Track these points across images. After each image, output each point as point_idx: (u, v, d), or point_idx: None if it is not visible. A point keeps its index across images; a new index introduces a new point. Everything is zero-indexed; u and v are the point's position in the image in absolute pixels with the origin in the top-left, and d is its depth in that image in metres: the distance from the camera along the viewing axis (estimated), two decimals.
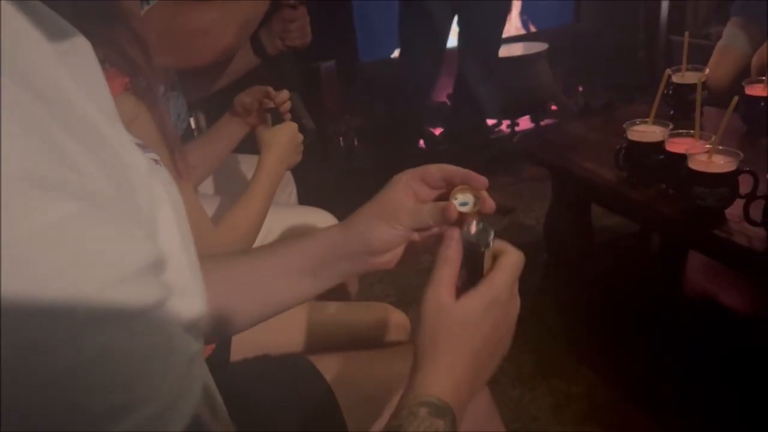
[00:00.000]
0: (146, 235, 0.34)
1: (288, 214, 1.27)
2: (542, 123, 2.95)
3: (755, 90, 1.58)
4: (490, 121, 2.91)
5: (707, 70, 1.66)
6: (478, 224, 0.58)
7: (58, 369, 0.27)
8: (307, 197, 1.65)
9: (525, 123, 2.95)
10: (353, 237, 0.62)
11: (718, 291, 1.75)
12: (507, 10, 2.34)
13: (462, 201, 0.60)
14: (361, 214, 0.63)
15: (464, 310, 0.54)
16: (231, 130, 1.20)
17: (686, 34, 1.69)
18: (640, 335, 1.64)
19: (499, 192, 2.54)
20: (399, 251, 0.63)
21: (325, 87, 2.51)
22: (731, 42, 2.37)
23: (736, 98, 1.26)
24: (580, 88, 3.15)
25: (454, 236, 0.57)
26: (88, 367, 0.28)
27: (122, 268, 0.30)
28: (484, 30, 2.28)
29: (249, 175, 1.13)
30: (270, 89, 1.16)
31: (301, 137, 1.15)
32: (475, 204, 0.59)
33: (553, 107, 3.01)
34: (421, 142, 2.79)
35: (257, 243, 1.04)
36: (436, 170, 0.61)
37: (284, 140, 1.10)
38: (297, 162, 1.16)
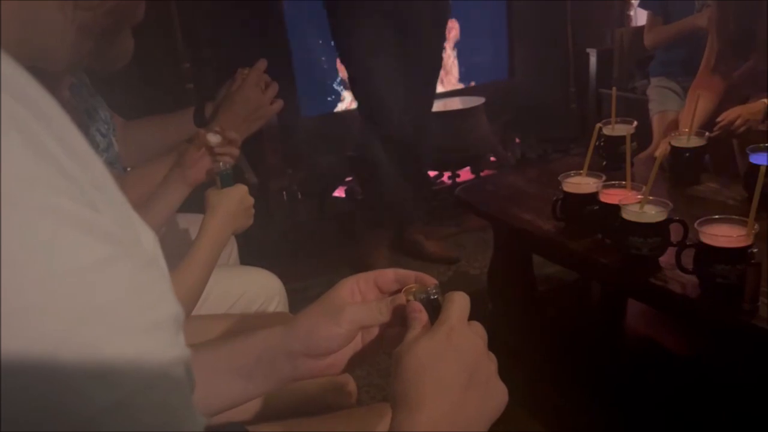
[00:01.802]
0: (168, 288, 0.34)
1: (228, 276, 1.23)
2: (482, 174, 3.02)
3: (680, 141, 1.66)
4: (432, 173, 2.96)
5: (635, 123, 1.74)
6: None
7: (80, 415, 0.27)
8: (249, 254, 1.62)
9: (465, 174, 3.01)
10: (294, 336, 0.59)
11: (658, 335, 1.79)
12: (438, 67, 2.39)
13: (429, 293, 0.61)
14: (304, 314, 0.61)
15: (427, 343, 0.54)
16: (174, 189, 1.09)
17: (614, 89, 1.78)
18: (584, 381, 1.65)
19: (443, 242, 2.57)
20: (342, 359, 0.61)
21: (267, 142, 2.51)
22: (663, 106, 2.52)
23: (663, 151, 1.31)
24: (517, 140, 3.25)
25: (418, 308, 0.58)
26: (106, 416, 0.28)
27: (149, 318, 0.30)
28: (420, 84, 2.32)
29: (193, 236, 1.07)
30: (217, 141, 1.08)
31: (251, 200, 1.08)
32: (439, 293, 0.61)
33: (492, 158, 3.09)
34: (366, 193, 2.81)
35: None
36: (392, 274, 0.62)
37: (233, 203, 1.03)
38: (247, 226, 1.08)
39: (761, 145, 1.51)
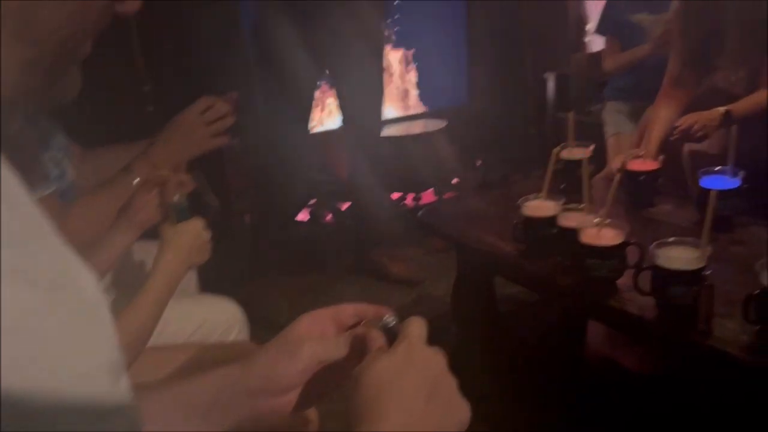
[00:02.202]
0: (108, 333, 0.32)
1: (188, 305, 1.21)
2: (445, 196, 3.04)
3: (635, 165, 1.70)
4: (395, 195, 2.97)
5: (592, 146, 1.78)
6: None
7: None
8: (209, 280, 1.59)
9: (428, 196, 3.04)
10: (253, 374, 0.58)
11: (618, 355, 1.82)
12: (381, 88, 2.41)
13: (386, 322, 0.61)
14: (262, 350, 0.60)
15: (386, 360, 0.54)
16: (123, 235, 1.04)
17: (571, 114, 1.82)
18: (546, 400, 1.67)
19: (407, 264, 2.58)
20: (302, 395, 0.60)
21: (228, 163, 2.49)
22: (617, 129, 2.58)
23: (619, 175, 1.35)
24: (479, 162, 3.29)
25: (375, 335, 0.59)
26: None
27: (83, 366, 0.29)
28: (361, 108, 2.34)
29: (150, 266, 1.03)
30: (166, 176, 1.05)
31: (208, 235, 1.05)
32: (396, 321, 0.62)
33: (454, 181, 3.12)
34: (330, 216, 2.80)
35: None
36: (351, 308, 0.63)
37: (188, 238, 1.00)
38: (203, 261, 1.05)
39: (711, 168, 1.56)
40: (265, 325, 2.14)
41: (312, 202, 2.87)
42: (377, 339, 0.58)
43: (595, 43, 3.30)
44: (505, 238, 1.57)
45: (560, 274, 1.40)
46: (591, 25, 3.42)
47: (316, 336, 0.61)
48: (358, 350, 0.59)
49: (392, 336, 0.59)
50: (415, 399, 0.53)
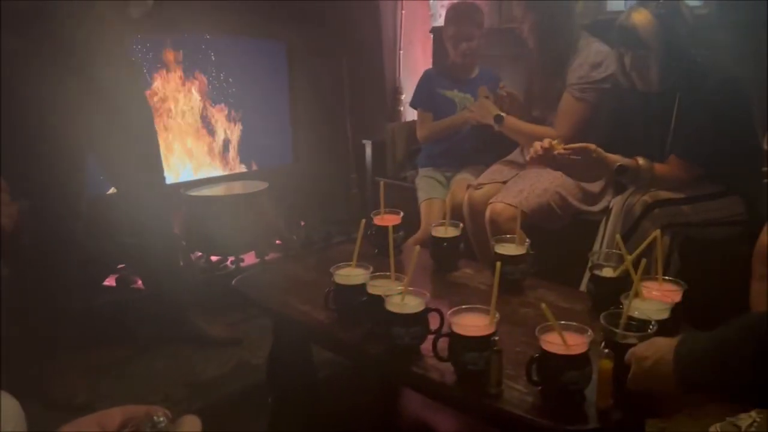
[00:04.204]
0: None
1: None
2: (267, 257, 3.01)
3: (438, 232, 1.82)
4: (214, 258, 2.88)
5: (401, 213, 1.87)
6: None
7: None
8: None
9: (250, 258, 2.98)
10: None
11: (431, 417, 1.89)
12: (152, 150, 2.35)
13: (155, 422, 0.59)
14: None
15: None
16: None
17: (382, 182, 1.92)
18: None
19: (227, 327, 2.50)
20: None
21: (22, 226, 2.26)
22: (429, 194, 2.75)
23: (418, 246, 1.43)
24: (302, 223, 3.31)
25: None
26: None
27: None
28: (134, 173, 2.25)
29: None
30: None
31: None
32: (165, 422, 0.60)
33: (278, 242, 3.11)
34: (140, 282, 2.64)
35: None
36: (119, 413, 0.61)
37: None
38: None
39: (503, 237, 1.71)
40: (62, 407, 1.95)
41: (120, 266, 2.69)
42: None
43: (409, 113, 3.53)
44: (319, 306, 1.58)
45: (370, 342, 1.43)
46: (405, 96, 3.66)
47: None
48: None
49: None
50: None
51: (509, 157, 2.65)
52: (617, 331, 1.20)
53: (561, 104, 2.41)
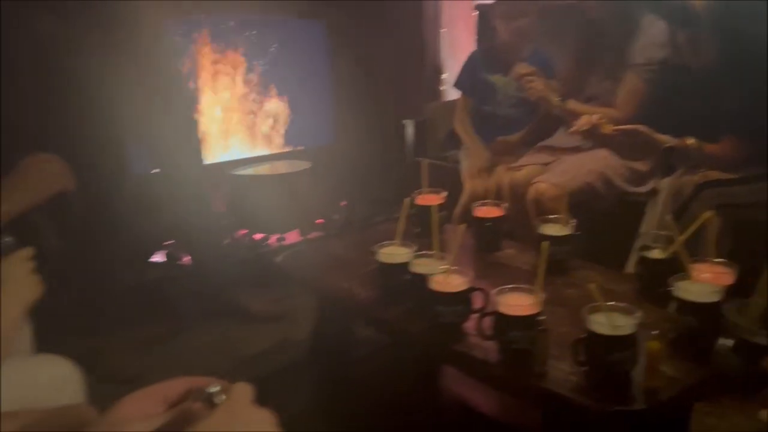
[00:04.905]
0: None
1: (17, 368, 1.10)
2: (309, 236, 3.04)
3: (482, 212, 1.80)
4: (258, 236, 2.93)
5: (444, 193, 1.86)
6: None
7: None
8: (47, 336, 1.47)
9: (293, 236, 3.02)
10: None
11: (471, 395, 1.89)
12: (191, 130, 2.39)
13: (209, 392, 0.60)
14: None
15: (207, 422, 0.55)
16: None
17: (425, 162, 1.91)
18: None
19: (270, 304, 2.54)
20: None
21: (73, 206, 2.33)
22: (471, 160, 2.72)
23: (463, 225, 1.42)
24: (343, 202, 3.33)
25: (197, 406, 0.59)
26: None
27: None
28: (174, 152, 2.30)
29: None
30: None
31: (31, 265, 0.97)
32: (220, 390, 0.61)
33: (319, 221, 3.13)
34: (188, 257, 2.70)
35: None
36: (179, 384, 0.62)
37: (20, 270, 0.93)
38: (34, 297, 0.97)
39: (547, 216, 1.69)
40: (112, 380, 2.02)
41: (167, 243, 2.76)
42: (202, 411, 0.57)
43: (451, 92, 3.49)
44: (362, 284, 1.59)
45: (412, 320, 1.44)
46: (446, 75, 3.62)
47: (140, 417, 0.59)
48: (184, 425, 0.58)
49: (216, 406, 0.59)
50: None
51: (549, 141, 2.59)
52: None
53: (626, 85, 2.32)
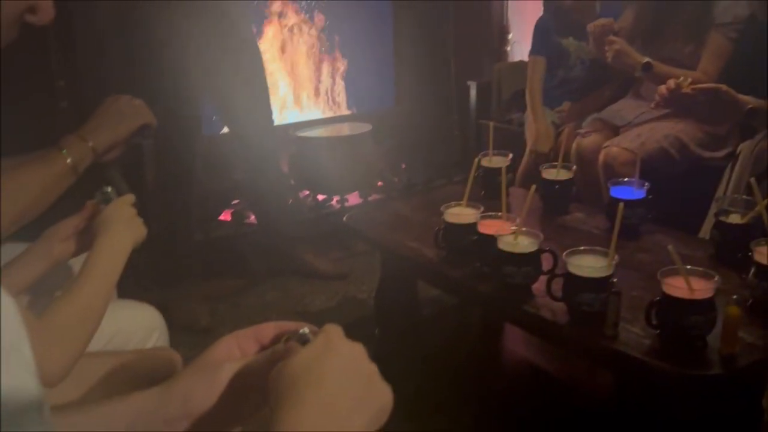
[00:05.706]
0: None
1: (108, 313, 1.17)
2: (370, 198, 3.06)
3: (550, 174, 1.78)
4: (320, 197, 2.97)
5: (510, 155, 1.84)
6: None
7: None
8: (126, 286, 1.54)
9: (354, 198, 3.05)
10: (171, 401, 0.58)
11: (535, 356, 1.89)
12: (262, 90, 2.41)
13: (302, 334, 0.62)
14: (180, 376, 0.60)
15: (305, 352, 0.55)
16: (34, 264, 1.02)
17: (491, 124, 1.89)
18: (466, 402, 1.71)
19: (334, 263, 2.59)
20: (226, 416, 0.60)
21: (148, 163, 2.42)
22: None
23: (534, 187, 1.41)
24: (404, 165, 3.33)
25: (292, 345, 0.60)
26: None
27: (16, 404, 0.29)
28: (246, 113, 2.33)
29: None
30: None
31: (134, 210, 1.06)
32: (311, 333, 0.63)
33: (380, 183, 3.15)
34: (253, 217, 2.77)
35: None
36: (272, 327, 0.64)
37: (127, 212, 1.01)
38: (141, 237, 1.05)
39: (620, 179, 1.65)
40: (186, 330, 2.11)
41: (235, 202, 2.83)
42: (296, 350, 0.59)
43: (517, 53, 3.41)
44: (428, 244, 1.60)
45: (479, 280, 1.45)
46: (512, 35, 3.53)
47: (236, 357, 0.61)
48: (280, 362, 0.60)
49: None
50: (332, 383, 0.53)
51: (615, 106, 2.50)
52: None
53: (711, 45, 2.20)
